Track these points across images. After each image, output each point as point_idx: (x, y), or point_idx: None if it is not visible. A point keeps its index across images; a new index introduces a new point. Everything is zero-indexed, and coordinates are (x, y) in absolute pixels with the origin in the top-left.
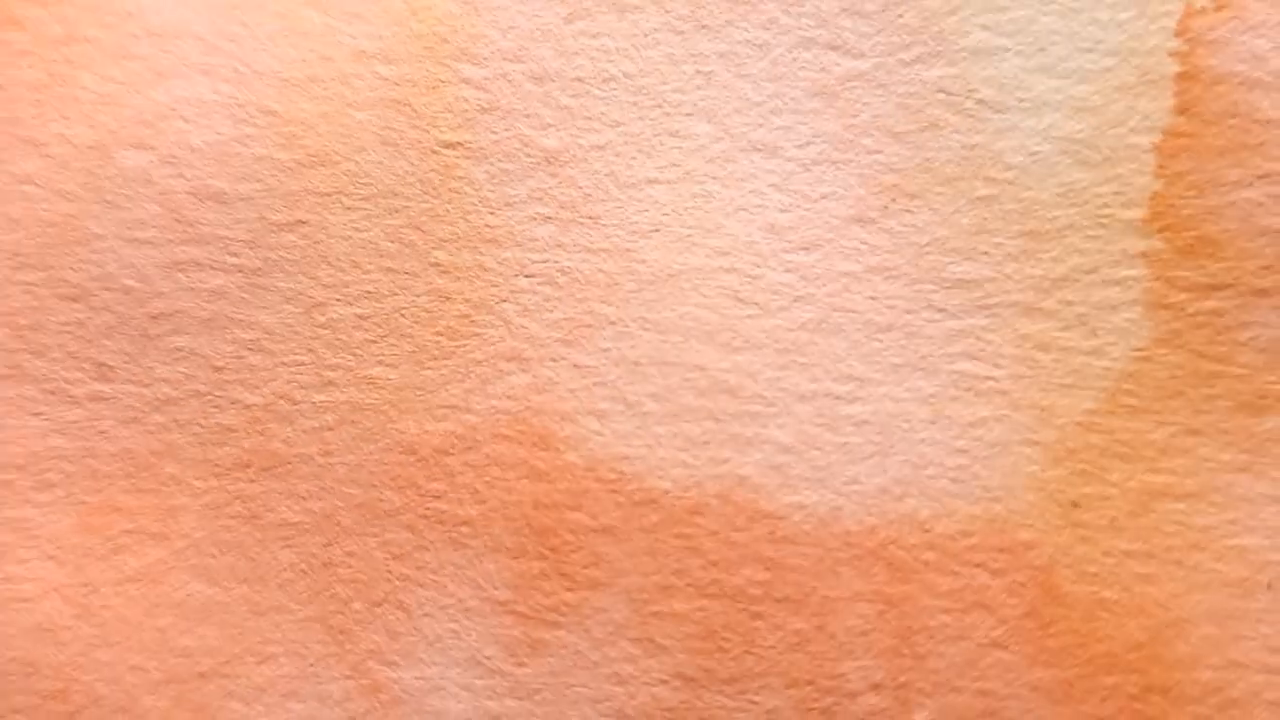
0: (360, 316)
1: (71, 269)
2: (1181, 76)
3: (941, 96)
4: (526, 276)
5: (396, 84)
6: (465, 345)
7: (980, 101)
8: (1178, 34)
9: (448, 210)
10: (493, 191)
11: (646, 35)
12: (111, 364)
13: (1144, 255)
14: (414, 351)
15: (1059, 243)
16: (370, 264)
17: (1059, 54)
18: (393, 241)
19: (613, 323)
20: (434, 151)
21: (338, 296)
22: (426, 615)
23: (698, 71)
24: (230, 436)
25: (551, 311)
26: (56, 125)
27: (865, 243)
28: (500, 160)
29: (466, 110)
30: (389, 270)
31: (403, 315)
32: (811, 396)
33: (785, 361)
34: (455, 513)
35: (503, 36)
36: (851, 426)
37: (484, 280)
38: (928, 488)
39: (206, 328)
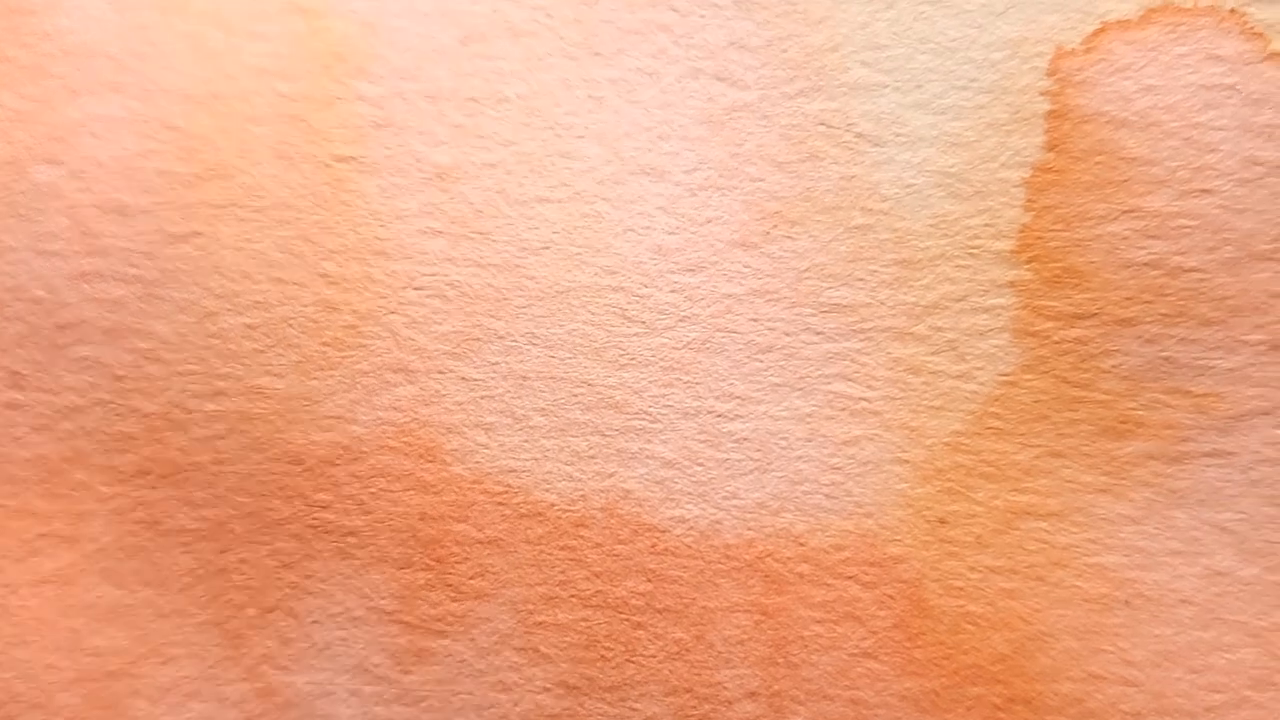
0: (249, 326)
1: None
2: (1052, 115)
3: (822, 129)
4: (415, 289)
5: (294, 100)
6: (351, 356)
7: (859, 135)
8: (1049, 74)
9: (338, 222)
10: (383, 205)
11: (540, 59)
12: (24, 372)
13: (1012, 285)
14: (301, 361)
15: (931, 271)
16: (260, 274)
17: (935, 91)
18: (282, 252)
19: (501, 337)
20: (327, 165)
21: (228, 306)
22: (315, 622)
23: (589, 96)
24: (131, 444)
25: (440, 324)
26: None
27: (748, 266)
28: (392, 175)
29: (361, 126)
30: (278, 280)
31: (290, 325)
32: (694, 413)
33: (670, 379)
34: (342, 523)
35: (399, 56)
36: (732, 443)
37: (372, 292)
38: (803, 503)
39: (109, 337)
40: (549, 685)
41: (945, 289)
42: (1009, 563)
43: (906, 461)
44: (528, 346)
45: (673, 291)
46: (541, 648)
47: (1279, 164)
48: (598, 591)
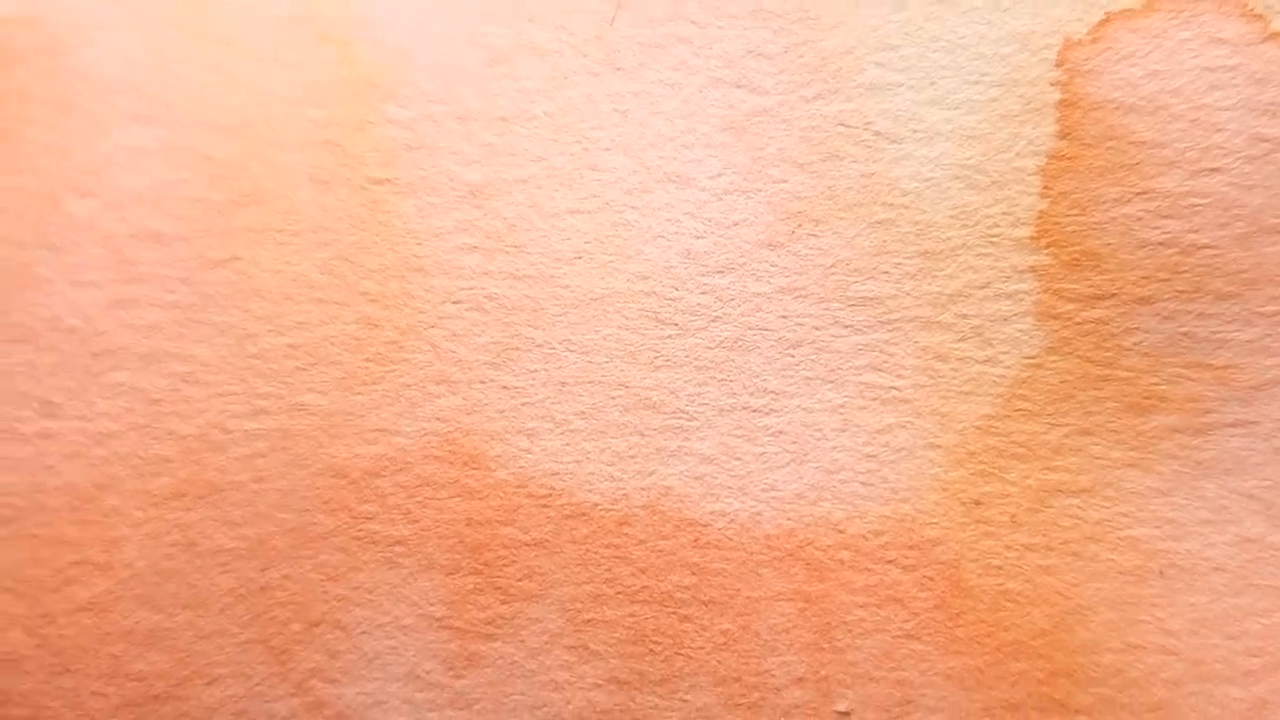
0: (291, 346)
1: (20, 311)
2: (1063, 104)
3: (841, 129)
4: (454, 303)
5: (326, 126)
6: (394, 370)
7: (877, 133)
8: (1058, 64)
9: (376, 242)
10: (420, 224)
11: (565, 77)
12: (57, 401)
13: (1032, 270)
14: (343, 378)
15: (953, 261)
16: (301, 295)
17: (948, 87)
18: (323, 273)
19: (539, 345)
20: (362, 188)
21: (269, 328)
22: (364, 633)
23: (614, 109)
24: (166, 467)
25: (479, 336)
26: (6, 178)
27: (775, 265)
28: (427, 194)
29: (393, 149)
30: (319, 301)
31: (332, 343)
32: (730, 410)
33: (705, 378)
34: (388, 533)
35: (428, 80)
36: (768, 437)
37: (411, 308)
38: (840, 492)
39: (145, 362)
40: (600, 681)
41: (968, 277)
42: (1044, 540)
43: (939, 446)
44: (565, 353)
45: (703, 293)
46: (591, 645)
47: None
48: (644, 587)
